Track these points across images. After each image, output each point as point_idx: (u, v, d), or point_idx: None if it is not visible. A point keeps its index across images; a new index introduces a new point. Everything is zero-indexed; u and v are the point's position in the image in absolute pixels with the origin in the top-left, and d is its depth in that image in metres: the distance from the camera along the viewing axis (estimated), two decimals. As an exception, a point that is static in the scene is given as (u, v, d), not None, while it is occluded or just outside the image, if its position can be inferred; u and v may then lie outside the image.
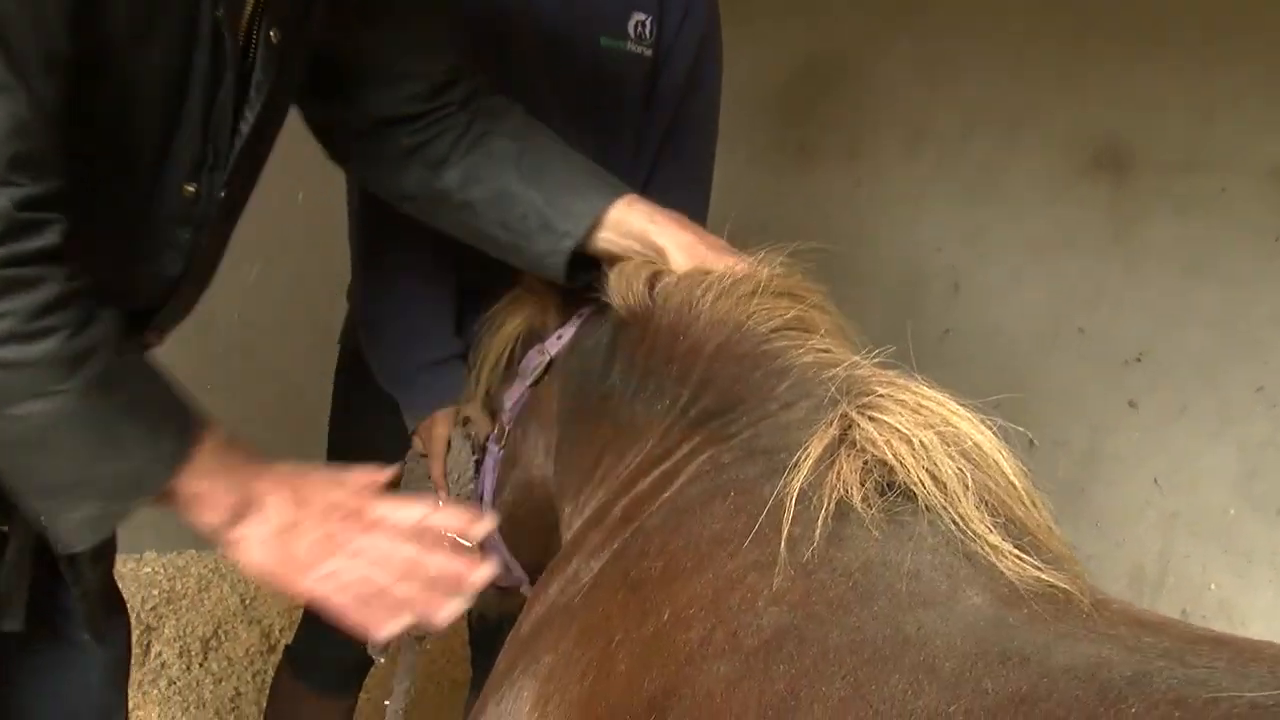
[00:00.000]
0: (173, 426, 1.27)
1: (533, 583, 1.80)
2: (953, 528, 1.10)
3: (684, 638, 1.10)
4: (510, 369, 1.82)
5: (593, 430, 1.56)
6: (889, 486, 1.15)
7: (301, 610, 2.42)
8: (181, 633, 3.45)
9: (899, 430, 1.16)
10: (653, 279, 1.53)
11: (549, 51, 2.10)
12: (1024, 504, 1.14)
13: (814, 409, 1.25)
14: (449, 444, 1.91)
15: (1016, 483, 1.15)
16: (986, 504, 1.12)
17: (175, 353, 3.79)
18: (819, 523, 1.11)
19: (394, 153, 1.70)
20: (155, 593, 3.57)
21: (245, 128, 1.41)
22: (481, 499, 1.85)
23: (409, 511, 1.35)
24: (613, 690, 1.13)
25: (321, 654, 2.32)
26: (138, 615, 3.43)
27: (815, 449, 1.17)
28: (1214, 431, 2.86)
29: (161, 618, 3.49)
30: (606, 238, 1.65)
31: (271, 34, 1.37)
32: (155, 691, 3.21)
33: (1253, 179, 2.82)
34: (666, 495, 1.29)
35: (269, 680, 2.50)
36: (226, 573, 3.76)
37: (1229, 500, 2.80)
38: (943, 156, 3.65)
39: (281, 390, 3.67)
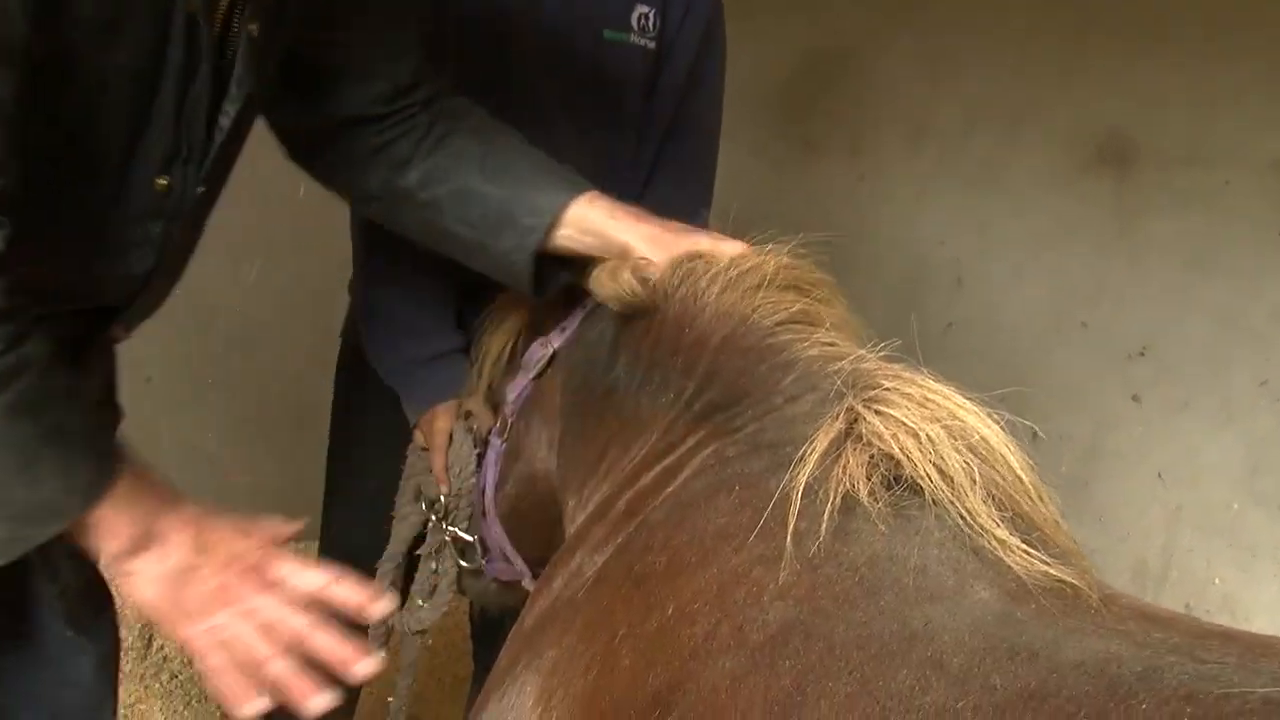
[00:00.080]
0: (92, 458, 1.23)
1: (534, 576, 1.80)
2: (960, 522, 1.09)
3: (688, 632, 1.09)
4: (513, 362, 1.82)
5: (597, 423, 1.55)
6: (895, 480, 1.14)
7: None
8: (183, 628, 3.44)
9: (905, 424, 1.15)
10: (640, 273, 1.52)
11: (551, 45, 2.09)
12: (1031, 498, 1.14)
13: (819, 402, 1.24)
14: (450, 438, 1.90)
15: (1024, 477, 1.14)
16: (994, 498, 1.11)
17: (176, 349, 3.80)
18: (825, 517, 1.11)
19: (358, 153, 1.68)
20: (157, 588, 3.56)
21: (226, 121, 1.39)
22: (483, 492, 1.84)
23: (311, 577, 1.30)
24: (617, 685, 1.12)
25: (324, 648, 2.31)
26: (139, 610, 3.42)
27: (821, 443, 1.16)
28: (1218, 426, 2.85)
29: (163, 613, 3.48)
30: (567, 234, 1.64)
31: (251, 28, 1.35)
32: (157, 685, 3.21)
33: (1255, 173, 2.82)
34: (671, 489, 1.29)
35: (271, 675, 2.49)
36: (229, 567, 3.75)
37: (1233, 494, 2.80)
38: (945, 151, 3.64)
39: (282, 385, 3.66)
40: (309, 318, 3.14)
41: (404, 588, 1.99)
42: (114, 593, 1.79)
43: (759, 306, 1.38)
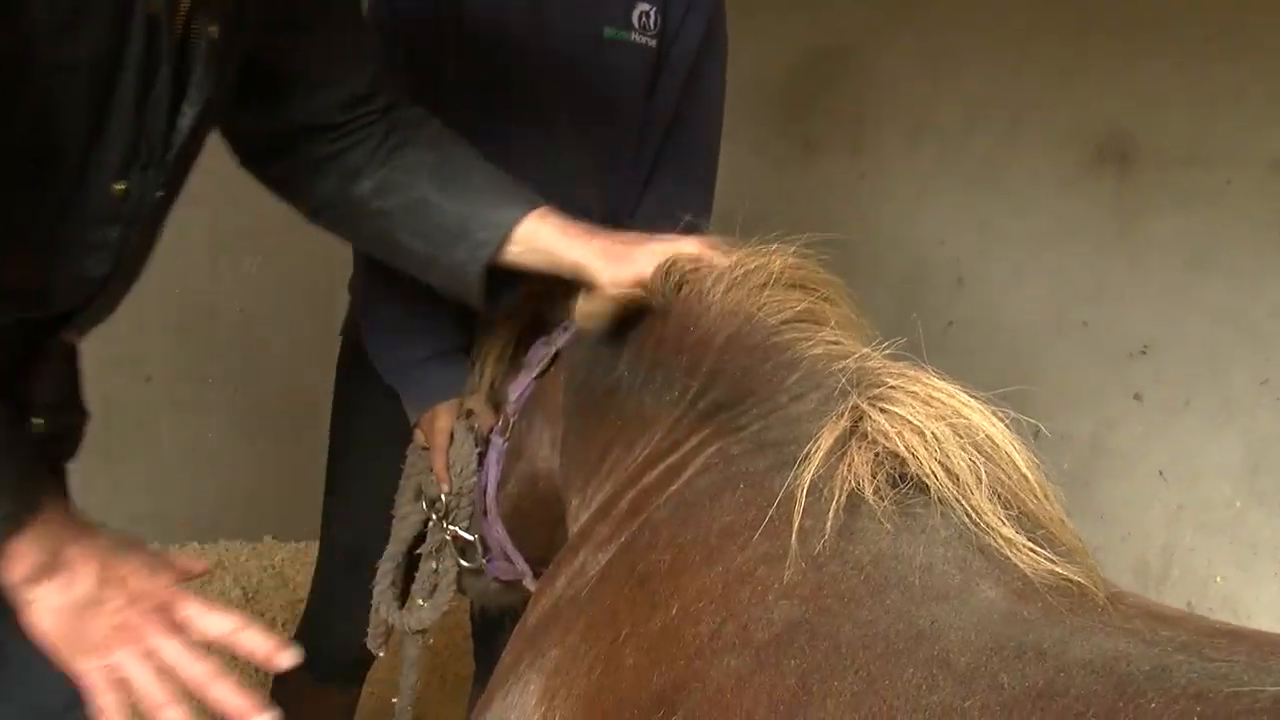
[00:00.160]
0: (11, 489, 1.21)
1: (536, 576, 1.79)
2: (965, 520, 1.09)
3: (693, 631, 1.09)
4: (515, 361, 1.81)
5: (600, 422, 1.54)
6: (901, 479, 1.13)
7: (304, 603, 2.41)
8: (183, 626, 3.44)
9: (911, 422, 1.14)
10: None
11: (551, 43, 2.09)
12: (1036, 497, 1.13)
13: (824, 401, 1.24)
14: (451, 436, 1.90)
15: (1029, 475, 1.14)
16: (999, 497, 1.10)
17: (176, 347, 3.80)
18: (830, 515, 1.10)
19: (312, 160, 1.66)
20: (156, 586, 3.56)
21: (185, 125, 1.36)
22: (484, 491, 1.84)
23: (218, 621, 1.26)
24: (621, 684, 1.12)
25: (325, 647, 2.30)
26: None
27: (826, 441, 1.16)
28: (1219, 424, 2.85)
29: (163, 611, 3.48)
30: (518, 251, 1.63)
31: (212, 30, 1.33)
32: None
33: (1256, 172, 2.82)
34: (675, 488, 1.28)
35: (272, 673, 2.49)
36: (229, 565, 3.75)
37: (1234, 493, 2.80)
38: (945, 150, 3.64)
39: (282, 383, 3.66)
40: (309, 316, 3.14)
41: (404, 587, 1.99)
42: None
43: (763, 305, 1.37)
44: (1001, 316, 3.38)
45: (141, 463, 3.74)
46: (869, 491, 1.12)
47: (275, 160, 1.70)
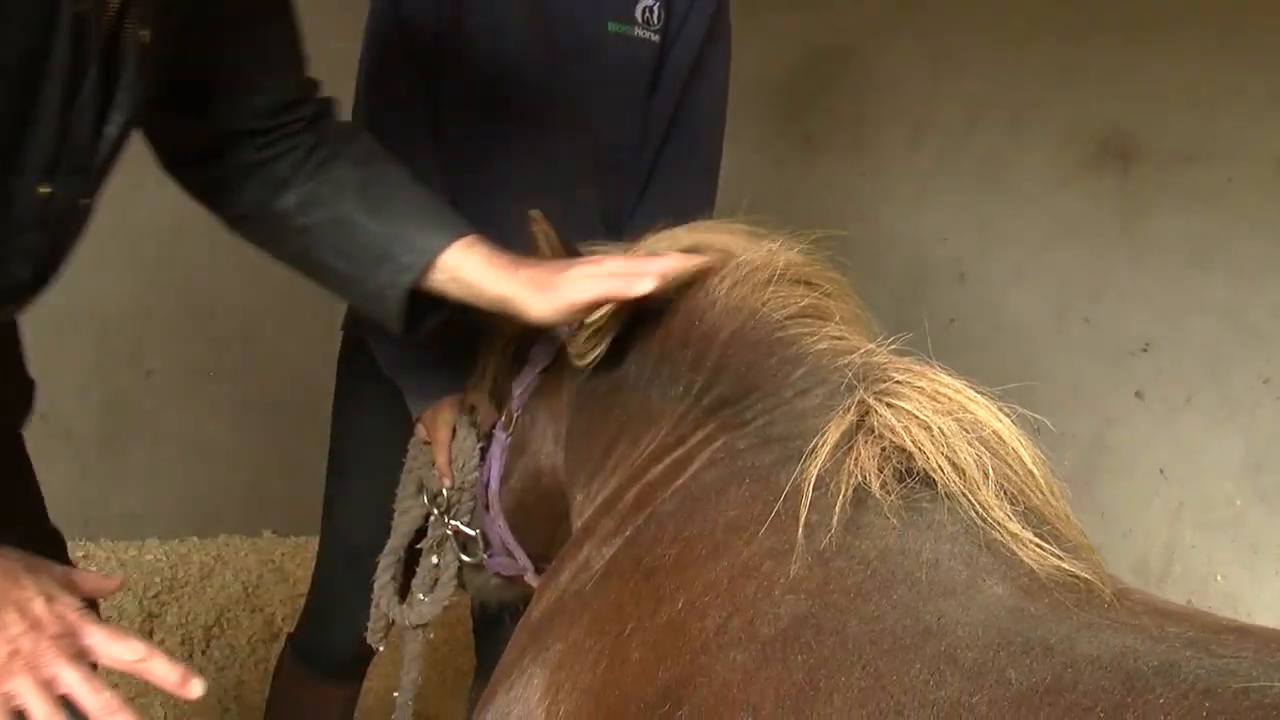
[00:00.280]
0: None
1: (538, 572, 1.79)
2: (972, 515, 1.09)
3: (699, 626, 1.09)
4: (518, 356, 1.81)
5: (605, 417, 1.54)
6: (907, 473, 1.13)
7: (304, 598, 2.41)
8: (184, 621, 3.44)
9: (917, 417, 1.14)
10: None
11: (554, 38, 2.09)
12: (1042, 493, 1.13)
13: (830, 396, 1.24)
14: (453, 431, 1.90)
15: (1035, 471, 1.14)
16: (1006, 492, 1.11)
17: (176, 341, 3.79)
18: (836, 510, 1.10)
19: (238, 167, 1.62)
20: (157, 580, 3.56)
21: (112, 131, 1.33)
22: (486, 486, 1.84)
23: (123, 649, 1.20)
24: (626, 679, 1.12)
25: (325, 642, 2.31)
26: (140, 602, 3.42)
27: (832, 435, 1.16)
28: (1220, 422, 2.86)
29: (164, 605, 3.48)
30: (441, 279, 1.59)
31: (143, 34, 1.30)
32: (156, 680, 3.20)
33: (1258, 169, 2.82)
34: (680, 482, 1.28)
35: (272, 668, 2.49)
36: (229, 560, 3.75)
37: (1235, 491, 2.80)
38: (946, 149, 3.64)
39: (283, 378, 3.66)
40: (310, 310, 3.13)
41: (405, 582, 1.99)
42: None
43: (768, 301, 1.37)
44: (1003, 315, 3.38)
45: (142, 457, 3.74)
46: (875, 486, 1.11)
47: (200, 166, 1.65)
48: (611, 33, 2.13)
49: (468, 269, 1.57)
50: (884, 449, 1.14)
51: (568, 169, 2.15)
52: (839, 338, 1.31)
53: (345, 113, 2.09)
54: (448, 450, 1.89)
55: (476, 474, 1.87)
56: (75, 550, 2.32)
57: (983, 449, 1.12)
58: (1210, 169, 2.92)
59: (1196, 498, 2.89)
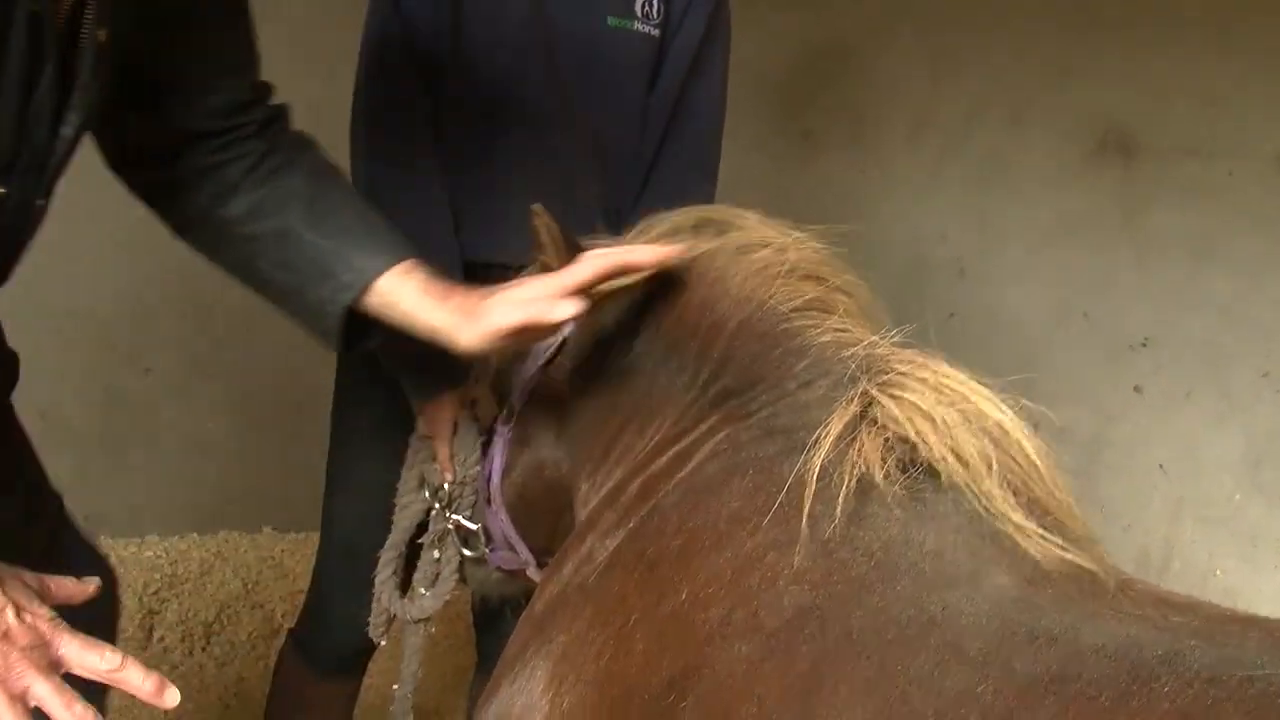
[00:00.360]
0: None
1: (540, 565, 1.79)
2: (976, 506, 1.09)
3: (703, 617, 1.09)
4: (520, 349, 1.81)
5: (611, 403, 1.54)
6: (911, 464, 1.13)
7: (304, 594, 2.41)
8: (184, 617, 3.44)
9: (921, 408, 1.14)
10: None
11: (553, 32, 2.08)
12: (1046, 485, 1.14)
13: (833, 387, 1.24)
14: (455, 426, 1.90)
15: (1039, 463, 1.14)
16: (1009, 484, 1.11)
17: (175, 338, 3.79)
18: (840, 500, 1.10)
19: (189, 171, 1.60)
20: (157, 577, 3.56)
21: (68, 131, 1.31)
22: (488, 480, 1.84)
23: (97, 659, 1.18)
24: (630, 669, 1.12)
25: (325, 638, 2.31)
26: (140, 599, 3.42)
27: (836, 426, 1.16)
28: (1220, 417, 2.86)
29: (164, 602, 3.48)
30: (375, 303, 1.58)
31: (100, 33, 1.29)
32: (158, 676, 3.20)
33: (1259, 165, 2.82)
34: (683, 474, 1.28)
35: (272, 664, 2.49)
36: (229, 557, 3.75)
37: (1235, 486, 2.80)
38: (946, 145, 3.64)
39: (283, 374, 3.65)
40: (310, 307, 3.12)
41: (406, 576, 1.99)
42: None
43: (776, 293, 1.37)
44: (1003, 309, 3.38)
45: (141, 454, 3.73)
46: (879, 476, 1.12)
47: (150, 168, 1.63)
48: (611, 27, 2.13)
49: (402, 296, 1.56)
50: (887, 440, 1.14)
51: (567, 165, 2.14)
52: (842, 330, 1.31)
53: (345, 113, 2.10)
54: (449, 445, 1.90)
55: (478, 468, 1.87)
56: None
57: (986, 440, 1.13)
58: (1210, 165, 2.92)
59: (1196, 493, 2.89)
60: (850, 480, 1.11)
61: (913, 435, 1.13)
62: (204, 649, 3.37)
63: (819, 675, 0.97)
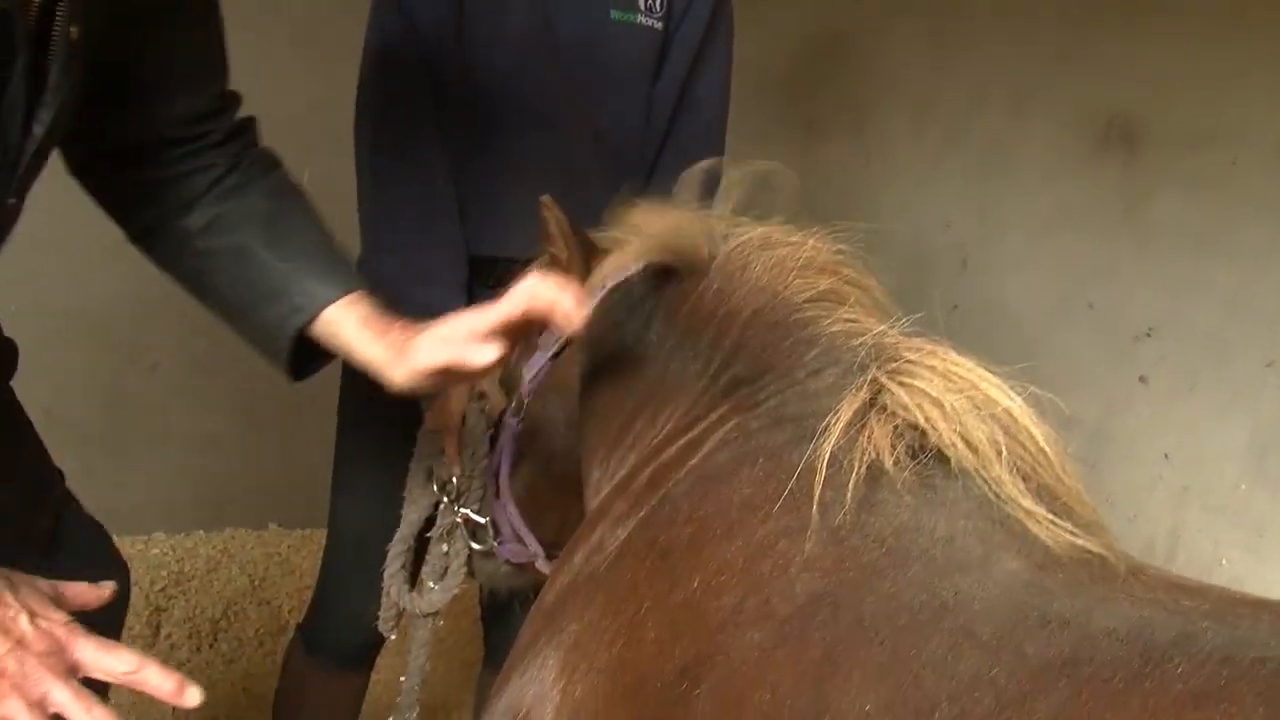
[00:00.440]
0: None
1: (549, 558, 1.79)
2: (986, 492, 1.09)
3: (715, 605, 1.09)
4: (528, 341, 1.81)
5: (624, 391, 1.54)
6: (920, 450, 1.14)
7: (311, 590, 2.42)
8: (191, 614, 3.44)
9: (930, 395, 1.15)
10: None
11: (556, 26, 2.09)
12: (1055, 471, 1.14)
13: (842, 375, 1.24)
14: (463, 419, 1.90)
15: (1048, 449, 1.14)
16: (1019, 470, 1.11)
17: (182, 335, 3.79)
18: (850, 487, 1.10)
19: (146, 178, 1.59)
20: (164, 574, 3.56)
21: (39, 130, 1.30)
22: (497, 473, 1.84)
23: (115, 661, 1.18)
24: (642, 658, 1.12)
25: (333, 632, 2.31)
26: (147, 596, 3.43)
27: (845, 413, 1.16)
28: (1224, 406, 2.85)
29: (171, 599, 3.48)
30: (319, 331, 1.58)
31: (73, 30, 1.27)
32: (164, 673, 3.21)
33: (1262, 153, 2.81)
34: (693, 462, 1.28)
35: (280, 661, 2.50)
36: (235, 553, 3.75)
37: (1240, 475, 2.80)
38: (949, 134, 3.64)
39: (288, 371, 3.66)
40: (314, 303, 3.12)
41: (414, 570, 1.99)
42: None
43: (791, 285, 1.38)
44: (1006, 300, 3.38)
45: (147, 451, 3.74)
46: (889, 463, 1.12)
47: (112, 173, 1.62)
48: (614, 20, 2.13)
49: (344, 326, 1.56)
50: (897, 426, 1.15)
51: (571, 158, 2.15)
52: (852, 320, 1.32)
53: (347, 110, 2.10)
54: (457, 438, 1.90)
55: (486, 461, 1.87)
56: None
57: (995, 426, 1.13)
58: (1214, 153, 2.91)
59: (1201, 482, 2.89)
60: (860, 467, 1.11)
61: (922, 422, 1.13)
62: (211, 646, 3.38)
63: (832, 661, 0.97)
